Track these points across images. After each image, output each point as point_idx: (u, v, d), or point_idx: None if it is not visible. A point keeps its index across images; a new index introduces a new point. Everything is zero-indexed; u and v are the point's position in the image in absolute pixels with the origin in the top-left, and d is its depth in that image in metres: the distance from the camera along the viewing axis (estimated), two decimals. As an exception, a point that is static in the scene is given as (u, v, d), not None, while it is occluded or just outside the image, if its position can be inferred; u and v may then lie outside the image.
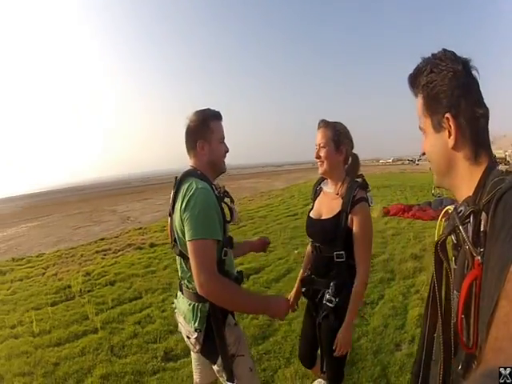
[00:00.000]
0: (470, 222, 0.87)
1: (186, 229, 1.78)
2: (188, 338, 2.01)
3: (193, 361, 2.25)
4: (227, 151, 2.11)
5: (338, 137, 2.17)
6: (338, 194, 2.18)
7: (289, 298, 2.51)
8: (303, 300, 2.52)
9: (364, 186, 2.18)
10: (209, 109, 2.07)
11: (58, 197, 57.08)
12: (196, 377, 2.28)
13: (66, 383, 3.62)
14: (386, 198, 14.98)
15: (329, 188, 2.31)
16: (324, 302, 2.15)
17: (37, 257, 9.80)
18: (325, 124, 2.21)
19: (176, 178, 2.03)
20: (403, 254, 6.82)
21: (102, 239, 11.29)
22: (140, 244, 9.78)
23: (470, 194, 0.93)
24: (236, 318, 2.06)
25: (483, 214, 0.83)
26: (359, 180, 2.22)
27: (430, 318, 1.11)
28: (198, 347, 1.96)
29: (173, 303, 2.28)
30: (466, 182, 0.98)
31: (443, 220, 1.12)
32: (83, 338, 4.55)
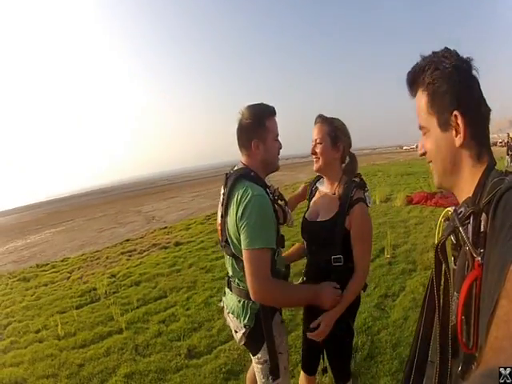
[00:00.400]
0: (469, 222, 0.87)
1: (243, 237, 1.80)
2: (235, 331, 2.06)
3: None
4: (281, 148, 2.09)
5: (334, 133, 2.10)
6: (334, 194, 2.10)
7: None
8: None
9: (362, 186, 2.09)
10: (263, 104, 2.03)
11: (82, 200, 58.00)
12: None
13: (91, 383, 3.71)
14: (410, 186, 14.78)
15: (325, 187, 2.24)
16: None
17: (61, 261, 10.01)
18: (322, 119, 2.16)
19: (226, 174, 2.05)
20: (425, 244, 6.72)
21: (127, 240, 11.45)
22: (165, 243, 9.89)
23: (470, 195, 0.93)
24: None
25: (483, 214, 0.84)
26: (357, 179, 2.12)
27: (426, 318, 1.10)
28: (243, 341, 2.02)
29: (220, 301, 2.36)
30: (467, 182, 0.98)
31: (443, 221, 1.11)
32: (108, 338, 4.66)
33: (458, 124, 0.95)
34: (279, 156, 2.13)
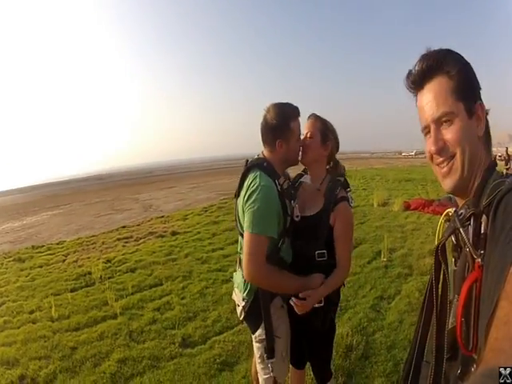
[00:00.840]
0: (470, 224, 0.87)
1: (245, 220, 1.93)
2: (238, 305, 2.20)
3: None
4: (302, 145, 2.17)
5: (326, 131, 2.15)
6: (319, 190, 2.13)
7: None
8: None
9: (345, 186, 2.14)
10: (288, 105, 2.10)
11: (80, 185, 57.79)
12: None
13: (83, 366, 3.71)
14: (408, 192, 14.77)
15: (309, 183, 2.25)
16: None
17: (57, 244, 10.01)
18: (315, 116, 2.20)
19: (247, 161, 2.14)
20: (422, 250, 6.74)
21: (124, 227, 11.44)
22: (162, 232, 9.90)
23: (470, 197, 0.93)
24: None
25: (483, 216, 0.84)
26: (341, 179, 2.15)
27: (424, 318, 1.11)
28: (243, 315, 2.16)
29: (231, 277, 2.47)
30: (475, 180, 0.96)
31: (444, 222, 1.11)
32: (102, 323, 4.66)
33: (480, 114, 0.95)
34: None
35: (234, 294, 2.31)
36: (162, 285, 5.89)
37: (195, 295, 5.29)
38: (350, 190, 2.16)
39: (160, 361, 3.70)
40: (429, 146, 1.02)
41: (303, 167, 2.30)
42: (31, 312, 5.21)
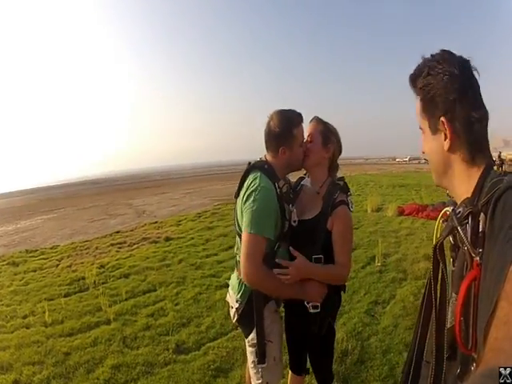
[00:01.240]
0: (468, 222, 0.87)
1: (244, 220, 1.94)
2: (231, 307, 2.20)
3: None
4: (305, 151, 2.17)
5: (327, 134, 2.14)
6: (318, 194, 2.12)
7: None
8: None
9: (345, 190, 2.12)
10: (292, 111, 2.12)
11: (74, 190, 57.57)
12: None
13: (77, 372, 3.67)
14: (401, 198, 14.84)
15: (310, 186, 2.24)
16: (309, 308, 2.04)
17: (51, 249, 9.94)
18: (317, 119, 2.20)
19: (249, 163, 2.16)
20: (416, 255, 6.76)
21: (118, 232, 11.40)
22: (155, 238, 9.86)
23: (469, 196, 0.93)
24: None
25: (481, 214, 0.84)
26: (341, 183, 2.14)
27: (423, 318, 1.11)
28: (236, 317, 2.15)
29: (226, 282, 2.44)
30: (463, 183, 0.97)
31: (441, 221, 1.11)
32: (96, 328, 4.62)
33: (445, 129, 0.97)
34: None
35: (228, 295, 2.31)
36: (155, 290, 5.86)
37: (189, 301, 5.26)
38: (350, 195, 2.15)
39: (154, 367, 3.67)
40: None
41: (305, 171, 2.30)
42: (25, 317, 5.17)
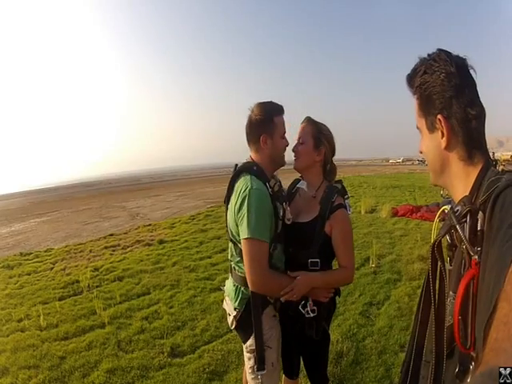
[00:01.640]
0: (466, 221, 0.87)
1: (240, 228, 1.90)
2: (229, 315, 2.18)
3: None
4: (287, 145, 2.15)
5: (319, 136, 2.11)
6: (315, 197, 2.10)
7: None
8: None
9: (343, 193, 2.09)
10: (272, 102, 2.10)
11: (67, 192, 57.29)
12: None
13: (72, 376, 3.66)
14: (395, 199, 14.89)
15: (305, 190, 2.20)
16: (305, 313, 2.04)
17: (45, 252, 9.87)
18: (308, 120, 2.17)
19: (236, 165, 2.14)
20: (410, 255, 6.79)
21: (111, 235, 11.34)
22: (149, 240, 9.83)
23: (467, 194, 0.93)
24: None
25: (480, 213, 0.84)
26: (338, 186, 2.11)
27: (421, 317, 1.11)
28: (234, 324, 2.13)
29: (223, 286, 2.38)
30: (461, 181, 0.98)
31: (439, 221, 1.12)
32: (90, 332, 4.61)
33: (442, 127, 0.98)
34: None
35: (224, 302, 2.29)
36: (149, 293, 5.84)
37: (183, 304, 5.25)
38: (348, 198, 2.13)
39: (149, 371, 3.66)
40: None
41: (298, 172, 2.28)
42: (20, 320, 5.14)
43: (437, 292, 1.03)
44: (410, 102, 1.11)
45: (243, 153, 2.26)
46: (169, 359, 3.84)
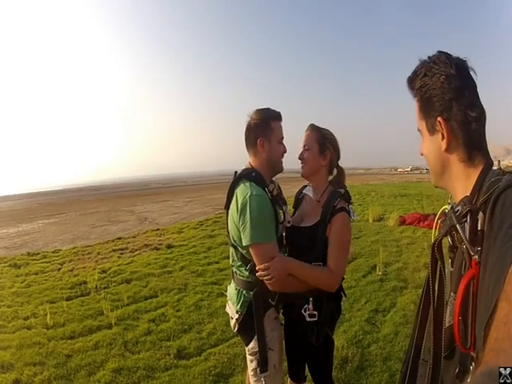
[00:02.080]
0: (467, 221, 0.88)
1: (244, 234, 1.94)
2: (231, 318, 2.22)
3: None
4: (285, 151, 2.19)
5: (323, 141, 2.15)
6: (319, 202, 2.13)
7: None
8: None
9: (346, 198, 2.11)
10: (270, 108, 2.17)
11: (75, 195, 57.48)
12: None
13: (78, 375, 3.69)
14: (403, 207, 14.79)
15: (311, 195, 2.25)
16: (306, 317, 2.02)
17: (53, 252, 9.96)
18: (312, 127, 2.21)
19: (236, 172, 2.18)
20: (417, 263, 6.77)
21: (119, 238, 11.40)
22: (157, 245, 9.87)
23: (467, 194, 0.94)
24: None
25: (480, 213, 0.85)
26: (342, 191, 2.12)
27: (421, 317, 1.12)
28: (236, 327, 2.18)
29: (225, 291, 2.42)
30: (461, 183, 0.99)
31: (439, 221, 1.13)
32: (97, 332, 4.65)
33: (442, 129, 0.99)
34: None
35: (227, 306, 2.32)
36: (157, 297, 5.87)
37: (190, 307, 5.27)
38: (351, 203, 2.14)
39: (155, 371, 3.69)
40: None
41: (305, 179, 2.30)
42: (26, 318, 5.19)
43: (436, 291, 1.03)
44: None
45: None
46: (175, 361, 3.86)
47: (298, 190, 2.44)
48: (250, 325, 2.07)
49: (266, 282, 1.94)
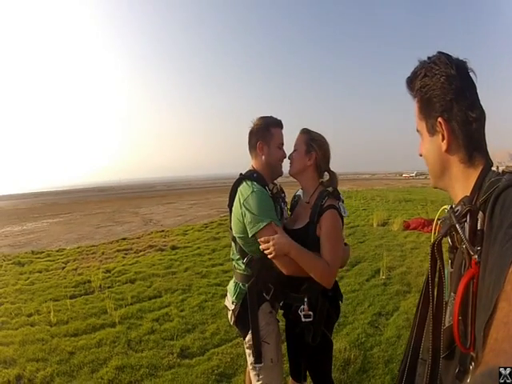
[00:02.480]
0: (466, 221, 0.88)
1: (248, 221, 2.03)
2: (229, 310, 2.31)
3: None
4: (284, 157, 2.28)
5: (310, 142, 2.18)
6: (308, 203, 2.15)
7: None
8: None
9: (335, 195, 2.11)
10: (272, 116, 2.30)
11: (80, 196, 57.68)
12: None
13: (81, 371, 3.71)
14: (407, 212, 14.78)
15: (303, 197, 2.28)
16: (301, 317, 2.04)
17: (57, 251, 10.03)
18: (303, 130, 2.26)
19: (241, 174, 2.28)
20: (420, 268, 6.76)
21: (124, 239, 11.46)
22: (161, 246, 9.92)
23: (467, 195, 0.94)
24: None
25: (480, 213, 0.85)
26: (330, 189, 2.12)
27: (420, 316, 1.12)
28: (233, 319, 2.26)
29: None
30: (461, 183, 0.99)
31: (439, 222, 1.11)
32: (101, 330, 4.67)
33: (442, 130, 0.99)
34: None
35: (226, 299, 2.42)
36: (161, 297, 5.90)
37: (194, 308, 5.30)
38: (342, 200, 2.15)
39: (158, 370, 3.71)
40: None
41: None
42: (29, 315, 5.23)
43: (436, 291, 1.03)
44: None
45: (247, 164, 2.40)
46: (178, 360, 3.88)
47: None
48: (245, 318, 2.14)
49: (266, 253, 1.98)
